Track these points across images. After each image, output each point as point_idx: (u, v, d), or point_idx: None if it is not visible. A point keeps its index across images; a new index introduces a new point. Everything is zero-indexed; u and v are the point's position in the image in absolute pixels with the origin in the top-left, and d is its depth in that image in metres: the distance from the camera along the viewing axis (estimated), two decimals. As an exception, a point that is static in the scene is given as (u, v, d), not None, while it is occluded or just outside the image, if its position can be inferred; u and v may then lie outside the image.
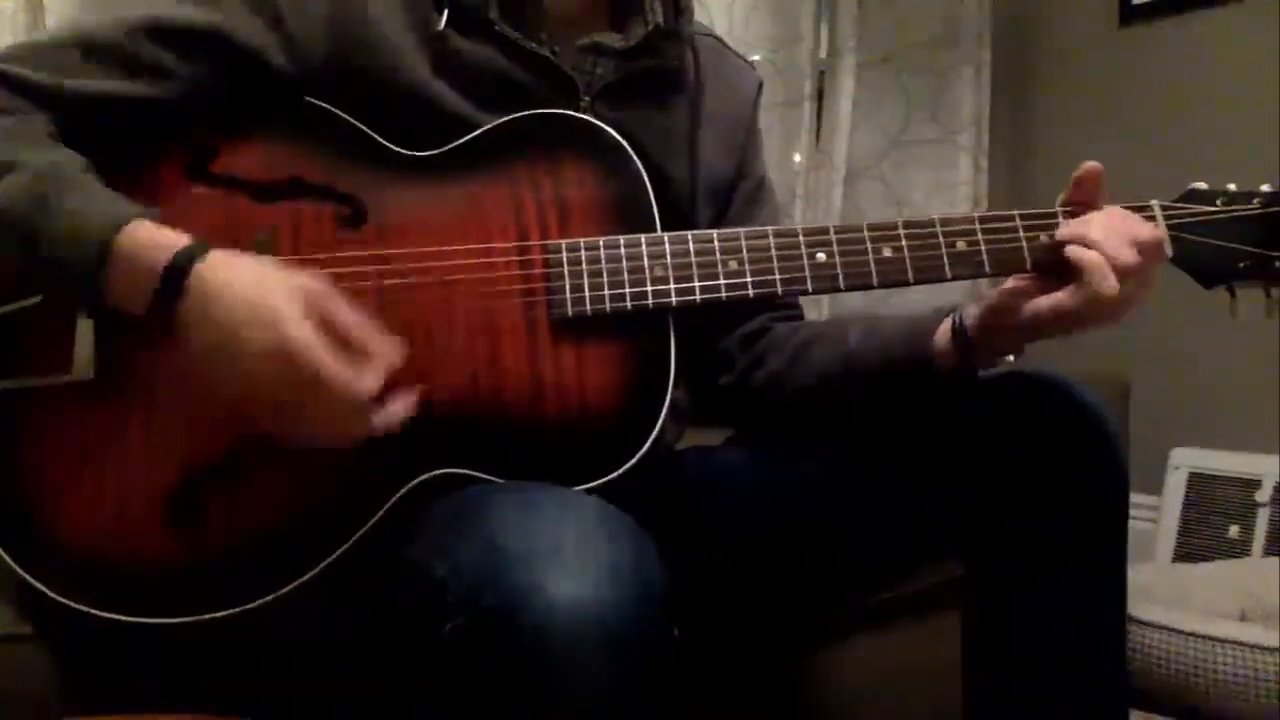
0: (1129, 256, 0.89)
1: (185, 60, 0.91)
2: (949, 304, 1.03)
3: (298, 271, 0.83)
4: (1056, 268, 0.93)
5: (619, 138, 0.95)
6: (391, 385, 0.82)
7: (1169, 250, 0.95)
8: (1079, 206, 0.96)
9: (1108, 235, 0.90)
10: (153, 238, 0.82)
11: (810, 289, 0.94)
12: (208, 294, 0.80)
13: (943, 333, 1.00)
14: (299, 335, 0.78)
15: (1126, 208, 0.96)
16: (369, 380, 0.80)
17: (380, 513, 0.86)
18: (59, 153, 0.85)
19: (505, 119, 0.96)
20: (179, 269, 0.80)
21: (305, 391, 0.79)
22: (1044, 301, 0.92)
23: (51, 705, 0.88)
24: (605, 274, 0.91)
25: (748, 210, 1.16)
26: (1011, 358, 1.00)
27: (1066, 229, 0.93)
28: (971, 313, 0.98)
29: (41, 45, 0.91)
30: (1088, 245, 0.90)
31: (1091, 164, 0.95)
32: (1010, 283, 0.96)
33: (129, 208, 0.83)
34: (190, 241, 0.82)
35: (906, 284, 0.95)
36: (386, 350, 0.82)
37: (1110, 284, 0.89)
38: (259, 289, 0.80)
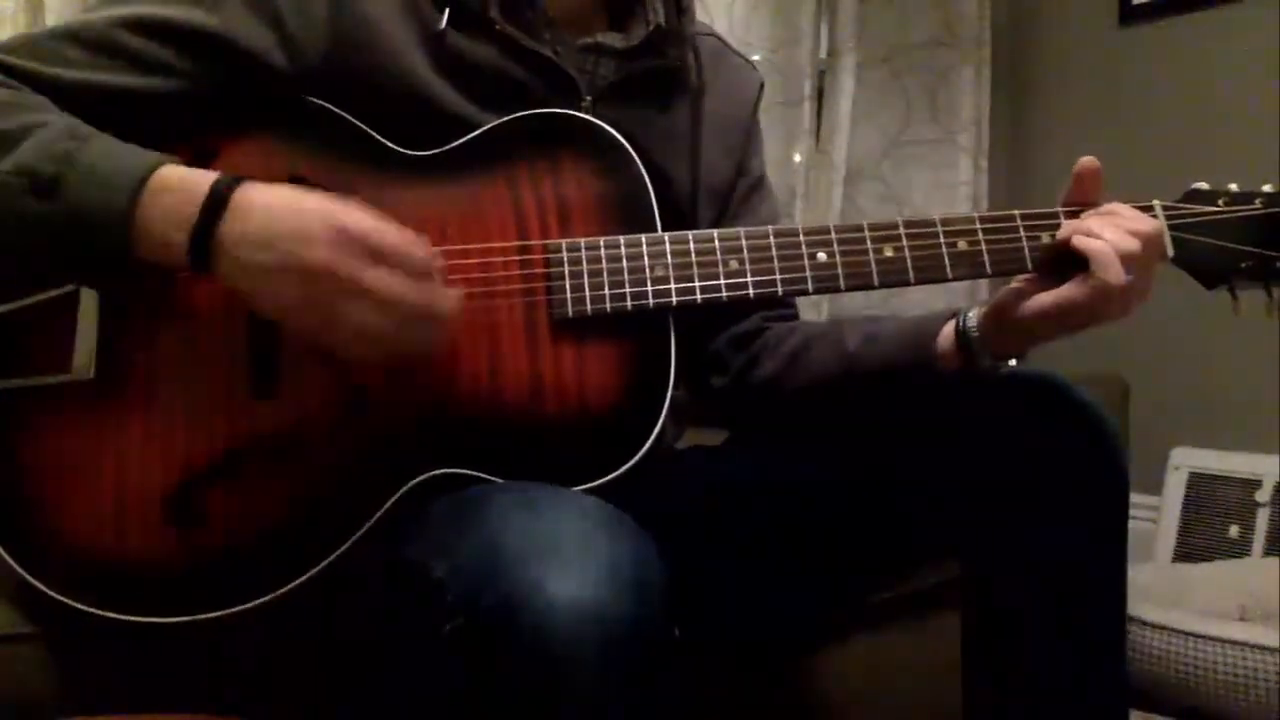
0: (1132, 245, 0.90)
1: (183, 57, 0.90)
2: (950, 307, 1.03)
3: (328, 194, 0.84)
4: (1058, 267, 0.93)
5: (620, 137, 0.95)
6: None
7: (1170, 250, 0.96)
8: (1080, 206, 0.96)
9: (1108, 226, 0.91)
10: (189, 172, 0.82)
11: (811, 289, 0.94)
12: (253, 207, 0.80)
13: (945, 335, 1.00)
14: (358, 217, 0.80)
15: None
16: (430, 253, 0.82)
17: (380, 513, 0.86)
18: (72, 117, 0.85)
19: (506, 118, 0.96)
20: (221, 189, 0.80)
21: (364, 261, 0.79)
22: (1048, 297, 0.93)
23: (51, 705, 0.88)
24: (605, 274, 0.91)
25: (746, 208, 1.16)
26: (1014, 361, 1.00)
27: (1068, 225, 0.93)
28: (975, 314, 0.99)
29: (39, 37, 0.91)
30: (1091, 236, 0.91)
31: (1089, 159, 0.96)
32: (1014, 283, 0.96)
33: (158, 153, 0.83)
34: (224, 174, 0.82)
35: (907, 284, 0.95)
36: (434, 257, 0.83)
37: (1117, 270, 0.89)
38: (304, 199, 0.81)
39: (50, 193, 0.80)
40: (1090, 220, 0.93)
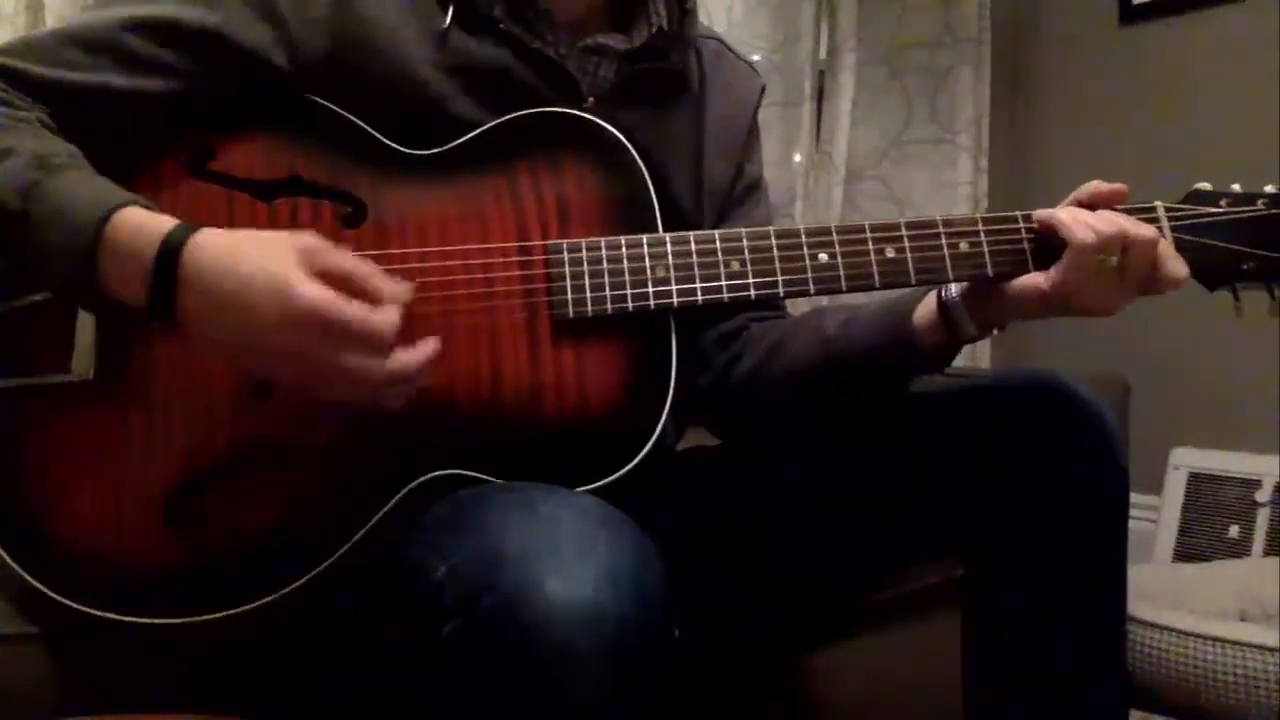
0: (1110, 227, 0.90)
1: (183, 57, 0.90)
2: (926, 286, 1.02)
3: (290, 233, 0.81)
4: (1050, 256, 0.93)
5: (621, 137, 0.95)
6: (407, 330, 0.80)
7: (1167, 233, 0.96)
8: (1083, 207, 0.96)
9: (1095, 214, 0.92)
10: (143, 223, 0.80)
11: (813, 290, 0.94)
12: (205, 273, 0.78)
13: (926, 307, 1.00)
14: (309, 293, 0.76)
15: (1130, 209, 0.96)
16: (388, 316, 0.78)
17: (380, 514, 0.86)
18: (52, 142, 0.85)
19: (507, 117, 0.95)
20: (171, 252, 0.79)
21: (327, 348, 0.77)
22: (1039, 276, 0.93)
23: (51, 705, 0.88)
24: (606, 274, 0.91)
25: (740, 209, 1.16)
26: (996, 331, 1.00)
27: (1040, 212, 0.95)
28: (956, 286, 0.99)
29: (38, 39, 0.91)
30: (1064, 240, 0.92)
31: (1120, 186, 0.96)
32: None
33: (120, 194, 0.82)
34: (178, 223, 0.80)
35: (909, 285, 0.95)
36: (398, 289, 0.81)
37: (1085, 231, 0.90)
38: (257, 259, 0.78)
39: (20, 224, 0.80)
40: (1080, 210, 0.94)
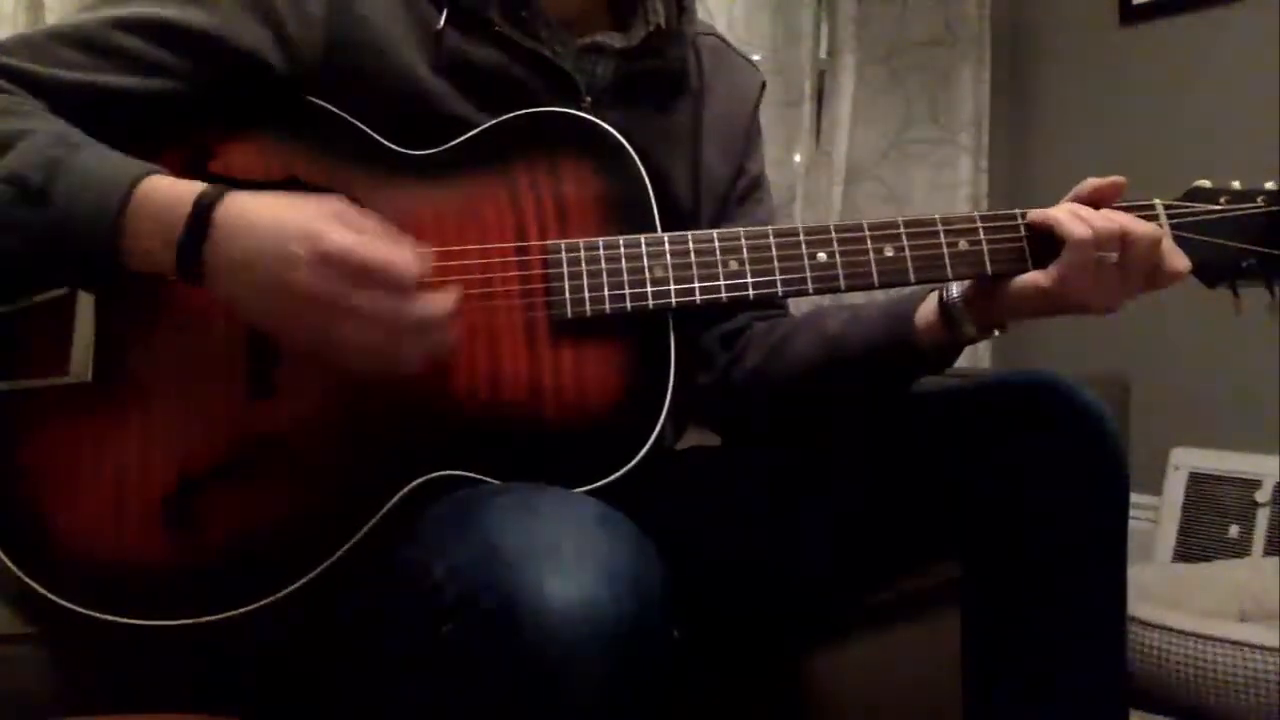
0: (1110, 226, 0.90)
1: (180, 57, 0.90)
2: (928, 285, 1.02)
3: (315, 196, 0.83)
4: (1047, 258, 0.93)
5: (619, 137, 0.95)
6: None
7: (1166, 231, 0.95)
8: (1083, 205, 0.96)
9: (1095, 212, 0.92)
10: (173, 185, 0.82)
11: (811, 289, 0.94)
12: (238, 221, 0.80)
13: (928, 306, 1.00)
14: (339, 235, 0.78)
15: (1130, 207, 0.96)
16: (414, 259, 0.80)
17: (379, 514, 0.86)
18: (63, 123, 0.85)
19: (504, 118, 0.95)
20: (205, 204, 0.80)
21: (354, 287, 0.78)
22: (1038, 274, 0.93)
23: (51, 705, 0.88)
24: (605, 275, 0.91)
25: (742, 208, 1.16)
26: (997, 331, 1.00)
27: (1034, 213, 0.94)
28: (958, 285, 0.99)
29: (34, 38, 0.91)
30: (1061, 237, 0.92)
31: (1119, 179, 0.96)
32: None
33: (145, 163, 0.83)
34: (209, 185, 0.82)
35: (908, 284, 0.95)
36: (423, 250, 0.82)
37: (1082, 229, 0.90)
38: (289, 211, 0.80)
39: (39, 201, 0.80)
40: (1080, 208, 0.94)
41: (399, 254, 0.80)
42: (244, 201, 0.81)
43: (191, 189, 0.82)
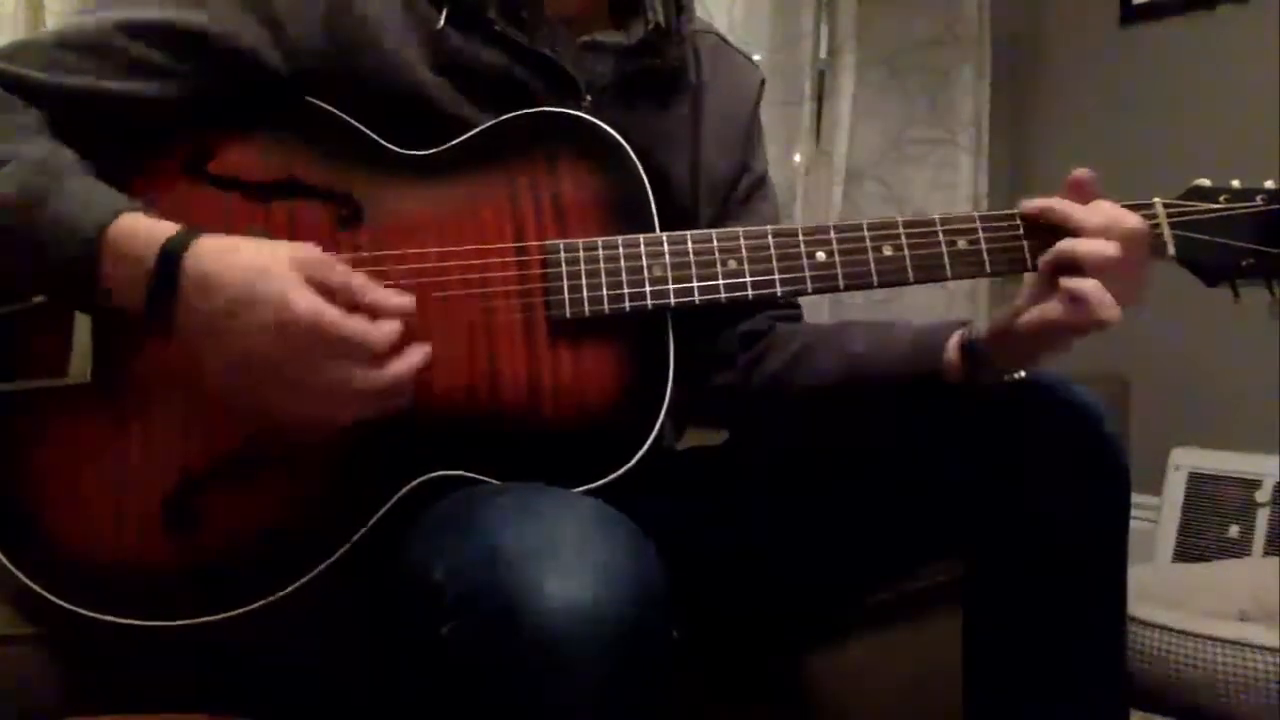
0: (1112, 251, 0.90)
1: (177, 59, 0.90)
2: (959, 318, 1.03)
3: (289, 243, 0.82)
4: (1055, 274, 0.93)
5: (618, 136, 0.95)
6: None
7: (1170, 247, 0.95)
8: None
9: (1094, 245, 0.90)
10: (145, 228, 0.81)
11: (810, 289, 0.94)
12: (204, 279, 0.79)
13: (953, 346, 1.00)
14: (304, 303, 0.77)
15: (1129, 206, 0.96)
16: (385, 329, 0.79)
17: (379, 515, 0.86)
18: (54, 148, 0.85)
19: (503, 117, 0.95)
20: (172, 258, 0.79)
21: (322, 359, 0.78)
22: (1035, 316, 0.93)
23: (51, 705, 0.88)
24: (603, 274, 0.91)
25: (746, 207, 1.16)
26: (1022, 373, 1.00)
27: (1053, 252, 0.92)
28: (980, 329, 0.99)
29: (33, 42, 0.91)
30: (1077, 260, 0.90)
31: (1082, 171, 0.95)
32: (1018, 304, 0.96)
33: (121, 200, 0.82)
34: (179, 228, 0.81)
35: (907, 283, 0.95)
36: (399, 302, 0.82)
37: (1112, 310, 0.89)
38: (254, 267, 0.79)
39: (20, 230, 0.81)
40: (1078, 244, 0.91)
41: (367, 325, 0.79)
42: (211, 255, 0.80)
43: (159, 235, 0.80)
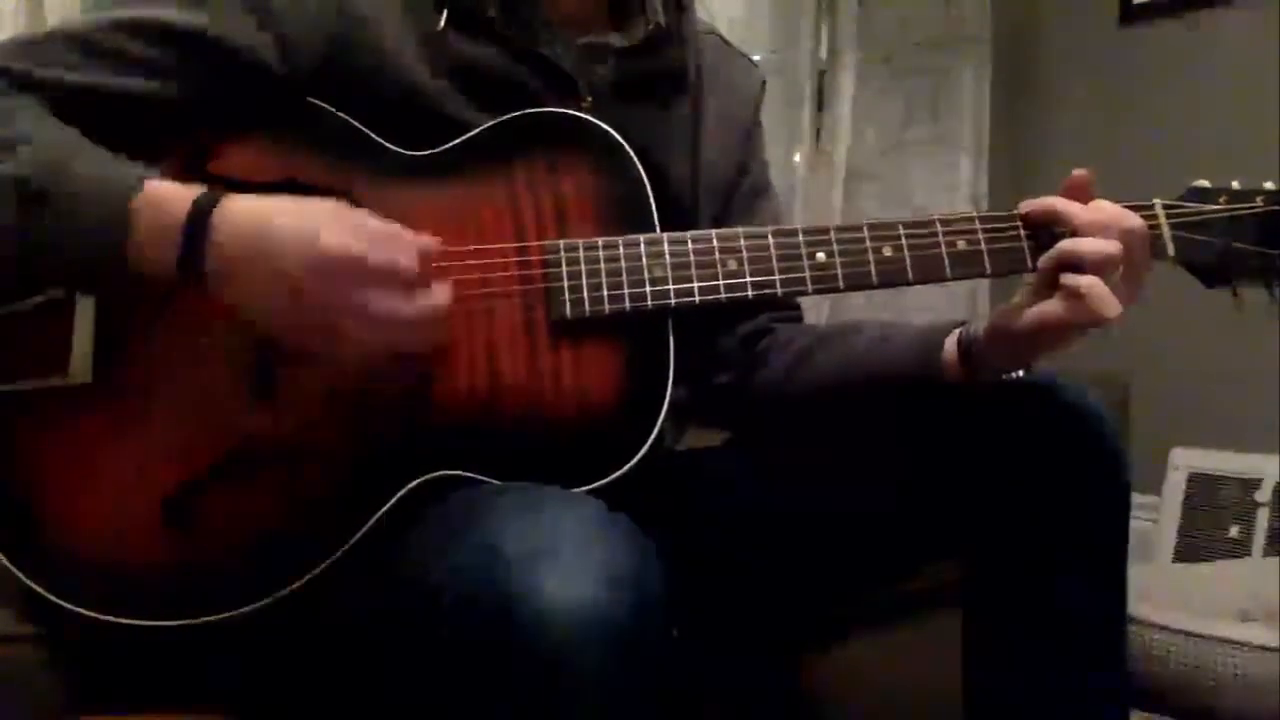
0: (1112, 249, 0.90)
1: (177, 59, 0.90)
2: (957, 318, 1.03)
3: (311, 199, 0.84)
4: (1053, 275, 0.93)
5: (618, 137, 0.95)
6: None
7: (1170, 248, 0.95)
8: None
9: (1095, 248, 0.91)
10: (172, 190, 0.83)
11: (810, 289, 0.94)
12: (236, 227, 0.81)
13: (951, 346, 1.00)
14: (335, 237, 0.80)
15: (1129, 206, 0.96)
16: (413, 256, 0.82)
17: (378, 515, 0.86)
18: (63, 128, 0.85)
19: (503, 118, 0.95)
20: (202, 210, 0.81)
21: (352, 288, 0.80)
22: (1033, 315, 0.93)
23: (51, 705, 0.88)
24: (604, 275, 0.91)
25: (749, 210, 1.16)
26: (1020, 373, 1.00)
27: (1055, 251, 0.93)
28: (978, 329, 0.99)
29: (33, 40, 0.91)
30: (1079, 258, 0.90)
31: (1079, 173, 0.95)
32: (1015, 303, 0.96)
33: (143, 168, 0.84)
34: (206, 189, 0.83)
35: (906, 284, 0.95)
36: (422, 240, 0.84)
37: (1113, 306, 0.89)
38: (285, 214, 0.82)
39: (40, 207, 0.81)
40: (1080, 243, 0.92)
41: (397, 252, 0.81)
42: (239, 206, 0.82)
43: (188, 194, 0.82)
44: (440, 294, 0.84)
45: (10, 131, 0.83)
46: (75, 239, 0.81)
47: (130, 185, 0.82)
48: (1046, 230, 0.94)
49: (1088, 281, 0.89)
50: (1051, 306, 0.92)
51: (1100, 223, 0.91)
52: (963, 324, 1.02)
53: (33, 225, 0.81)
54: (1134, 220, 0.92)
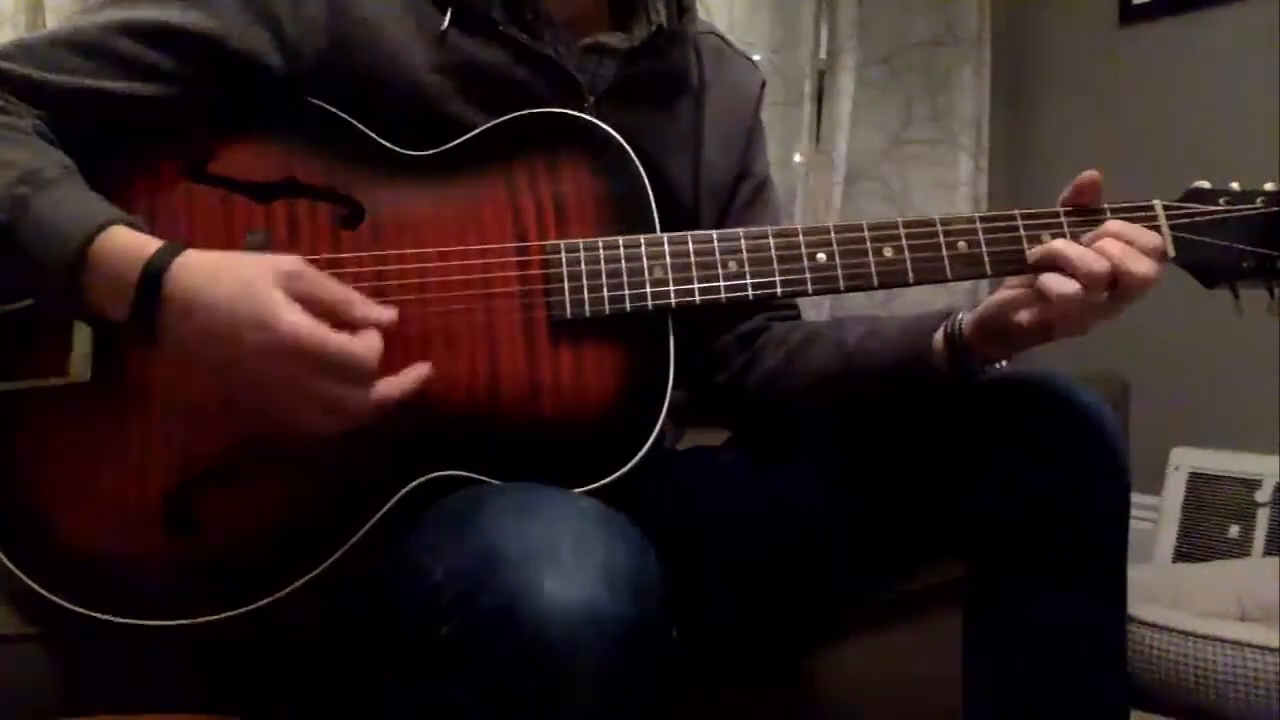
0: (1091, 263, 0.88)
1: (179, 60, 0.90)
2: (949, 306, 1.03)
3: (272, 256, 0.81)
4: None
5: (618, 137, 0.95)
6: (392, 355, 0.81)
7: (1170, 249, 0.95)
8: (1078, 207, 0.95)
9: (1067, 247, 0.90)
10: (127, 244, 0.80)
11: (810, 290, 0.94)
12: (187, 299, 0.79)
13: (938, 335, 1.00)
14: (292, 322, 0.77)
15: (1129, 207, 0.96)
16: (371, 343, 0.79)
17: (378, 515, 0.86)
18: (44, 153, 0.85)
19: (504, 118, 0.95)
20: (154, 276, 0.79)
21: (309, 377, 0.78)
22: (1007, 308, 0.93)
23: (51, 705, 0.88)
24: (604, 275, 0.91)
25: (750, 210, 1.16)
26: (1004, 363, 1.00)
27: (1039, 253, 0.92)
28: (966, 318, 0.98)
29: (32, 42, 0.91)
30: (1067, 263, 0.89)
31: (1091, 173, 0.95)
32: (1001, 293, 0.95)
33: (107, 212, 0.82)
34: (162, 245, 0.80)
35: (907, 285, 0.95)
36: (381, 314, 0.81)
37: (1074, 327, 0.89)
38: (238, 282, 0.78)
39: (7, 238, 0.80)
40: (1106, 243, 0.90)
41: (353, 342, 0.79)
42: (194, 273, 0.79)
43: (143, 250, 0.80)
44: (406, 378, 0.82)
45: None
46: (39, 279, 0.81)
47: (89, 232, 0.80)
48: (1050, 233, 0.94)
49: (1058, 295, 0.88)
50: (1023, 305, 0.91)
51: (1098, 276, 0.88)
52: (950, 314, 1.01)
53: (4, 257, 0.81)
54: (1143, 268, 0.89)
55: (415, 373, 0.83)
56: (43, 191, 0.81)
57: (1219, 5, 2.38)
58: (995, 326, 0.95)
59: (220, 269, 0.80)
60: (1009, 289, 0.94)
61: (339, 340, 0.78)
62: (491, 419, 0.88)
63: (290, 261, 0.80)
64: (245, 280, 0.78)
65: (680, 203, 1.07)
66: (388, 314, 0.82)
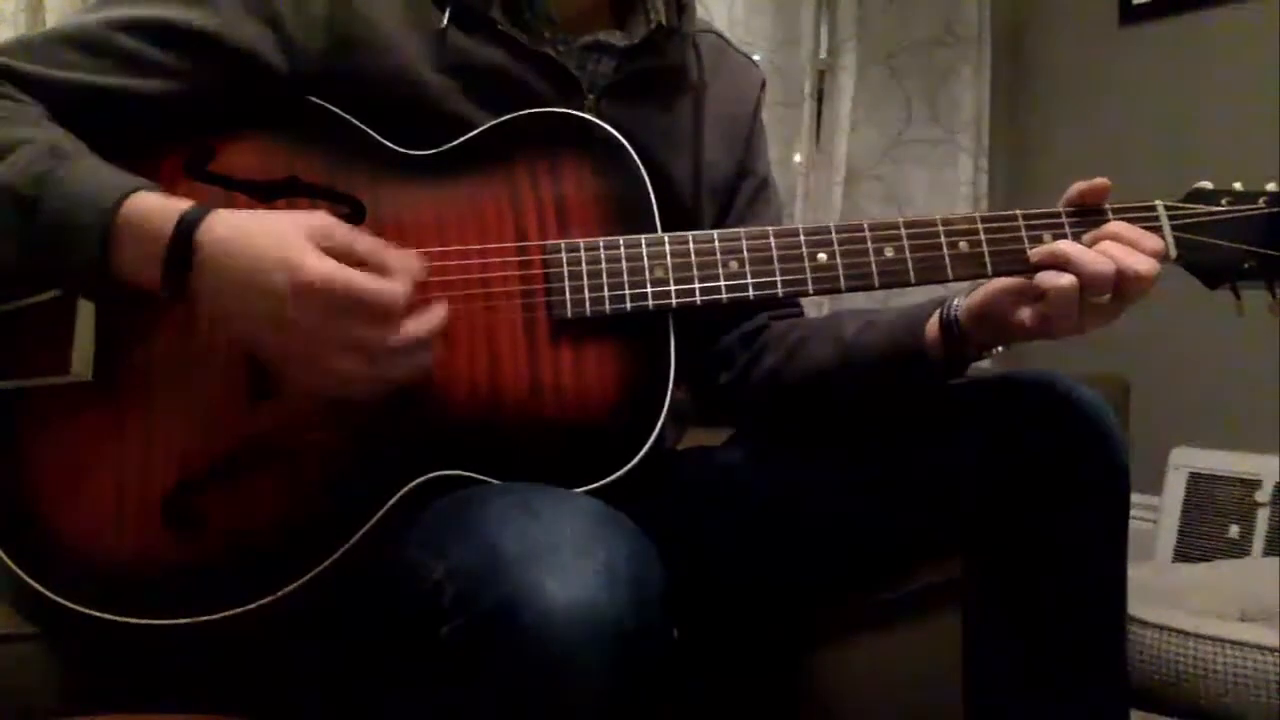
0: (1094, 263, 0.89)
1: (180, 58, 0.90)
2: (942, 296, 1.02)
3: (303, 213, 0.83)
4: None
5: (619, 137, 0.95)
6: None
7: (1173, 250, 0.95)
8: (1081, 207, 0.95)
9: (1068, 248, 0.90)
10: (159, 204, 0.82)
11: (811, 290, 0.94)
12: (219, 249, 0.80)
13: (933, 323, 1.00)
14: (318, 266, 0.78)
15: (1131, 208, 0.96)
16: (398, 285, 0.80)
17: (379, 515, 0.86)
18: (59, 132, 0.85)
19: (505, 118, 0.95)
20: (187, 229, 0.80)
21: (336, 318, 0.78)
22: (1001, 299, 0.93)
23: (51, 705, 0.88)
24: (605, 275, 0.91)
25: (750, 210, 1.16)
26: (1000, 348, 1.00)
27: (1043, 251, 0.92)
28: (961, 305, 0.98)
29: (34, 39, 0.91)
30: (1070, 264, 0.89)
31: (1101, 180, 0.95)
32: (998, 280, 0.95)
33: (134, 179, 0.83)
34: (193, 203, 0.82)
35: (908, 285, 0.95)
36: (409, 262, 0.83)
37: (1067, 328, 0.90)
38: (270, 236, 0.80)
39: (30, 213, 0.81)
40: (1107, 245, 0.91)
41: (381, 282, 0.79)
42: (225, 226, 0.81)
43: (174, 210, 0.81)
44: (426, 322, 0.83)
45: (10, 135, 0.83)
46: (66, 248, 0.81)
47: (116, 199, 0.81)
48: (1051, 233, 0.94)
49: (1059, 295, 0.88)
50: (1023, 302, 0.91)
51: (1102, 277, 0.89)
52: (944, 302, 1.01)
53: (28, 231, 0.81)
54: (1144, 267, 0.90)
55: (438, 311, 0.83)
56: (68, 165, 0.82)
57: (1219, 5, 2.38)
58: (991, 315, 0.95)
59: (249, 222, 0.82)
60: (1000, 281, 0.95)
61: (364, 278, 0.79)
62: (492, 418, 0.88)
63: (319, 216, 0.82)
64: (274, 231, 0.80)
65: (680, 202, 1.07)
66: (416, 262, 0.83)
